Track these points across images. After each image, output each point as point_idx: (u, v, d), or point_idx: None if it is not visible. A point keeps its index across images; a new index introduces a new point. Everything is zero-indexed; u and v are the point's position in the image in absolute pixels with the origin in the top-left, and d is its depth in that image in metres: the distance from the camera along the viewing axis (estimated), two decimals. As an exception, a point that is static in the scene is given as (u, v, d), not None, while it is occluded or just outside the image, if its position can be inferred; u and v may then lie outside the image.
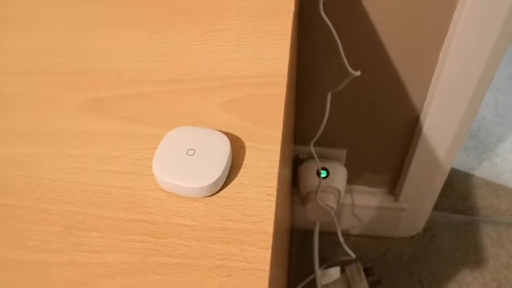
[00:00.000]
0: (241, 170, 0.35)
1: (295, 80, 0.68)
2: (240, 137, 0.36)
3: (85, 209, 0.34)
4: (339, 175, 0.89)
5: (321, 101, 0.77)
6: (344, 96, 0.78)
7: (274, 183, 0.34)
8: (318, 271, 0.96)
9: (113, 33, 0.44)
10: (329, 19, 0.63)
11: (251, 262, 0.30)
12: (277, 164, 0.34)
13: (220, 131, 0.36)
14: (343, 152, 0.90)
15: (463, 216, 1.11)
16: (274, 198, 0.33)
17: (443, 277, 1.04)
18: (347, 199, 1.00)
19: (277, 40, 0.42)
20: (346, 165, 0.93)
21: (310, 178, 0.89)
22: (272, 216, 0.32)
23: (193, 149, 0.33)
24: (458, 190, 1.15)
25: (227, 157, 0.33)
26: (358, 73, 0.67)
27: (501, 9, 0.64)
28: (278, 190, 0.34)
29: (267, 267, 0.30)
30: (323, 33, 0.65)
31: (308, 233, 1.01)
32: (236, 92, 0.39)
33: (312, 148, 0.82)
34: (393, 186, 0.98)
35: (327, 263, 1.03)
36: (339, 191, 0.89)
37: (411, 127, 0.83)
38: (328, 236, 1.05)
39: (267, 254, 0.30)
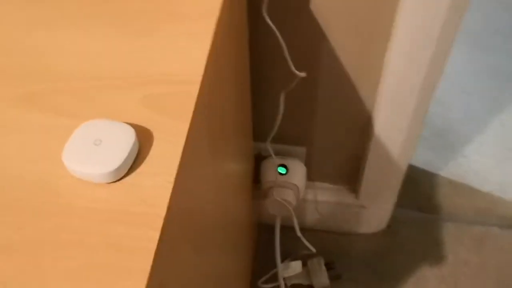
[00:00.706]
0: (147, 159, 0.38)
1: (244, 77, 0.71)
2: (151, 129, 0.40)
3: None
4: (297, 171, 0.93)
5: (276, 100, 0.81)
6: (298, 96, 0.82)
7: (174, 171, 0.37)
8: (280, 265, 1.00)
9: (49, 33, 0.48)
10: (274, 20, 0.66)
11: (141, 241, 0.34)
12: (179, 155, 0.38)
13: (131, 123, 0.39)
14: (303, 150, 0.94)
15: (425, 214, 1.15)
16: (171, 186, 0.36)
17: (403, 272, 1.07)
18: (310, 195, 1.04)
19: (199, 42, 0.46)
20: (307, 162, 0.97)
21: (270, 174, 0.92)
22: (166, 201, 0.36)
23: (100, 140, 0.37)
24: (423, 189, 1.18)
25: (131, 147, 0.37)
26: (303, 74, 0.71)
27: (440, 8, 0.67)
28: (180, 178, 0.38)
29: (154, 245, 0.34)
30: (268, 34, 0.69)
31: (273, 228, 1.04)
32: (153, 89, 0.43)
33: (268, 145, 0.86)
34: (354, 183, 1.01)
35: (290, 257, 1.06)
36: (297, 187, 0.93)
37: (364, 126, 0.87)
38: (293, 231, 1.08)
39: (156, 234, 0.34)
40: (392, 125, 0.84)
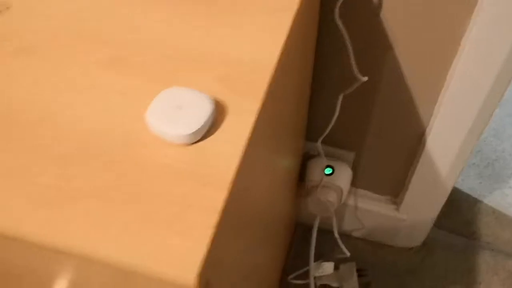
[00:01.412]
0: (220, 128, 0.42)
1: (307, 76, 0.74)
2: (226, 104, 0.44)
3: (83, 144, 0.42)
4: (343, 174, 0.95)
5: (333, 101, 0.84)
6: (356, 100, 0.84)
7: (244, 142, 0.41)
8: (313, 263, 1.02)
9: (143, 8, 0.53)
10: (344, 24, 0.69)
11: (208, 200, 0.38)
12: (250, 129, 0.42)
13: (210, 96, 0.43)
14: (352, 155, 0.96)
15: (464, 238, 1.15)
16: (240, 154, 0.40)
17: (433, 291, 1.08)
18: (351, 201, 1.06)
19: (276, 32, 0.50)
20: (353, 168, 0.99)
21: (316, 173, 0.95)
22: (234, 167, 0.39)
23: (182, 105, 0.41)
24: (464, 214, 1.18)
25: (209, 115, 0.41)
26: (365, 78, 0.73)
27: (506, 38, 0.69)
28: (247, 152, 0.41)
29: (220, 204, 0.37)
30: (337, 37, 0.72)
31: (309, 227, 1.07)
32: (230, 69, 0.46)
33: (319, 145, 0.89)
34: (396, 196, 1.03)
35: (323, 257, 1.08)
36: (341, 190, 0.95)
37: (416, 141, 0.88)
38: (329, 233, 1.10)
39: (224, 194, 0.38)
40: (444, 144, 0.85)
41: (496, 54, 0.71)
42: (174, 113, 0.41)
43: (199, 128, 0.40)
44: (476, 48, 0.71)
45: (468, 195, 1.20)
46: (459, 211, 1.18)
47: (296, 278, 1.06)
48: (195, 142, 0.41)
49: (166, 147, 0.41)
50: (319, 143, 0.88)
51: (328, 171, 0.94)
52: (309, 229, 1.13)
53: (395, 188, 1.01)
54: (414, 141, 0.89)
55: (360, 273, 1.06)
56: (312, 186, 0.96)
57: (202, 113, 0.41)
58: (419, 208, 1.02)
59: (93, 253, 0.36)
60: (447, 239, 1.15)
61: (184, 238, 0.36)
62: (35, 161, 0.41)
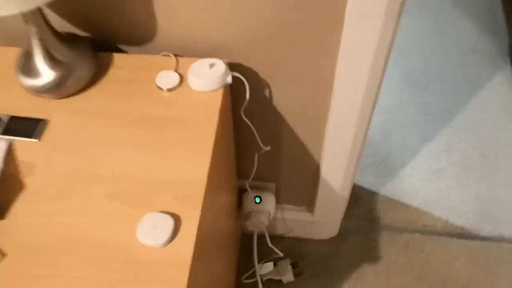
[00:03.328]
0: (180, 231, 0.74)
1: (231, 149, 1.07)
2: (180, 215, 0.75)
3: (96, 250, 0.73)
4: (269, 201, 1.29)
5: (252, 158, 1.17)
6: (268, 154, 1.18)
7: (192, 245, 0.73)
8: (257, 265, 1.37)
9: (118, 153, 0.82)
10: (248, 117, 1.02)
11: (178, 269, 0.70)
12: (195, 233, 0.74)
13: (170, 212, 0.75)
14: (273, 185, 1.30)
15: (367, 223, 1.52)
16: (192, 249, 0.72)
17: (349, 268, 1.45)
18: (280, 214, 1.40)
19: (202, 156, 0.81)
20: (277, 192, 1.33)
21: (249, 203, 1.29)
22: (190, 257, 0.71)
23: (156, 225, 0.73)
24: (365, 204, 1.56)
25: (172, 228, 0.72)
26: (268, 148, 1.07)
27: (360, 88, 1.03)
28: (196, 245, 0.73)
29: (186, 275, 0.69)
30: (246, 125, 1.04)
31: (252, 238, 1.41)
32: (180, 189, 0.78)
33: (247, 184, 1.22)
34: (310, 205, 1.38)
35: (264, 259, 1.43)
36: (269, 212, 1.29)
37: (315, 167, 1.23)
38: (266, 240, 1.45)
39: (186, 272, 0.70)
40: (334, 166, 1.20)
41: (351, 117, 1.05)
42: (152, 230, 0.72)
43: (168, 238, 0.72)
44: (333, 128, 1.05)
45: (367, 189, 1.58)
46: (362, 203, 1.56)
47: (246, 278, 1.41)
48: (166, 245, 0.73)
49: (151, 249, 0.72)
50: (248, 182, 1.22)
51: (257, 200, 1.28)
52: (251, 240, 1.47)
53: (308, 200, 1.36)
54: (314, 167, 1.24)
55: (294, 265, 1.42)
56: (247, 212, 1.29)
57: (168, 229, 0.72)
58: (328, 211, 1.37)
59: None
60: (355, 226, 1.52)
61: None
62: (74, 264, 0.71)
